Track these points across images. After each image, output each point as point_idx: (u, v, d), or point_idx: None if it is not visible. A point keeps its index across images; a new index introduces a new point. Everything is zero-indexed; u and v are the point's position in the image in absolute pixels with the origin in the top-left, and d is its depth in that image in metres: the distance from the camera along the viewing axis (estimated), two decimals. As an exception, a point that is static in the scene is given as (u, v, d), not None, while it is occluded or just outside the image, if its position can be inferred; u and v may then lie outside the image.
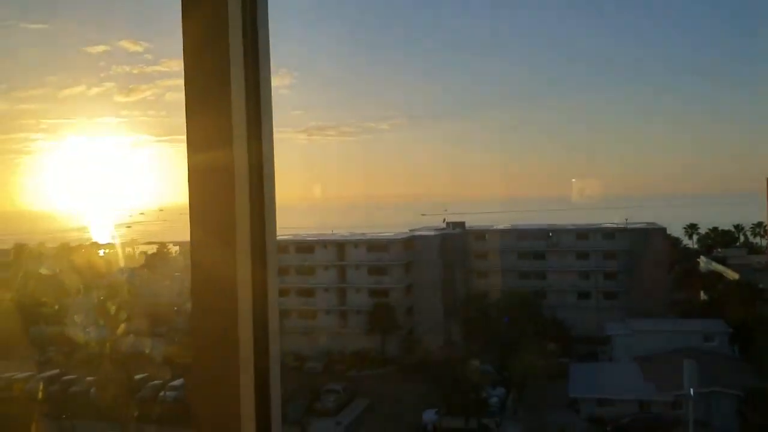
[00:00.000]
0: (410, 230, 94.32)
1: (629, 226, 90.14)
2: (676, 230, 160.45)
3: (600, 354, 69.27)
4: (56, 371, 68.17)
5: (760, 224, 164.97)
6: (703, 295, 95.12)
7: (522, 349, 58.06)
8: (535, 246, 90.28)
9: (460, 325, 72.86)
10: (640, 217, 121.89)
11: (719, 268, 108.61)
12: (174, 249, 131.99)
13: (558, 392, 55.73)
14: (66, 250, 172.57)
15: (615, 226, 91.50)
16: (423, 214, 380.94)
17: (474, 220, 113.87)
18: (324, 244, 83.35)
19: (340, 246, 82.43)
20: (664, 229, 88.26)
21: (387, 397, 61.13)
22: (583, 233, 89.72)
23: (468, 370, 59.80)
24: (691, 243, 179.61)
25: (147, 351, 76.93)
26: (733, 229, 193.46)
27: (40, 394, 62.87)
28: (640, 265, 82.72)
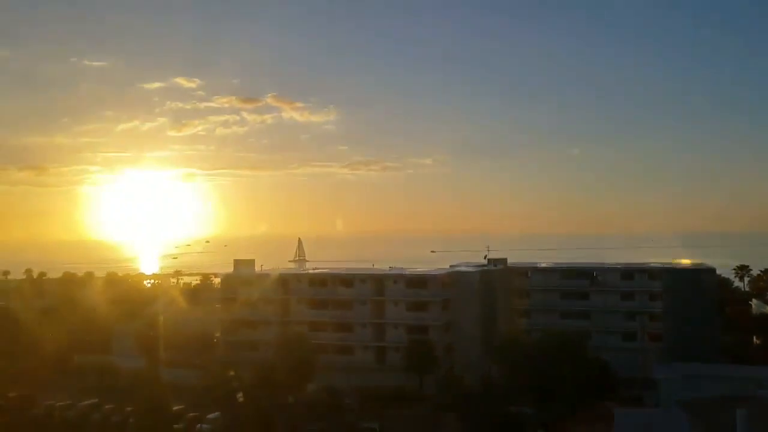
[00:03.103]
0: (450, 266, 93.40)
1: (677, 267, 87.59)
2: (725, 271, 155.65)
3: (645, 398, 66.82)
4: (95, 400, 68.74)
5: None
6: (755, 340, 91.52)
7: (564, 391, 56.27)
8: (578, 285, 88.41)
9: (500, 365, 71.17)
10: (689, 256, 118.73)
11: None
12: (216, 281, 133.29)
13: (601, 437, 53.69)
14: (113, 279, 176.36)
15: (662, 266, 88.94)
16: (432, 251, 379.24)
17: (516, 257, 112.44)
18: (362, 278, 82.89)
19: (378, 280, 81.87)
20: (713, 270, 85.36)
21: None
22: (628, 273, 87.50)
23: (507, 411, 58.20)
24: (742, 285, 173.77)
25: (186, 382, 77.25)
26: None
27: (80, 422, 63.60)
28: (688, 307, 79.93)
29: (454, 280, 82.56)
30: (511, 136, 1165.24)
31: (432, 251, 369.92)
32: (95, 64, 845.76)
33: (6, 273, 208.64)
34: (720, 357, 75.55)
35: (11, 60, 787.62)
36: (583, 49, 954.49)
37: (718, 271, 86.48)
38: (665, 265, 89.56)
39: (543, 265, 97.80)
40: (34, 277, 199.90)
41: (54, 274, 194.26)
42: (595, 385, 60.85)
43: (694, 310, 79.43)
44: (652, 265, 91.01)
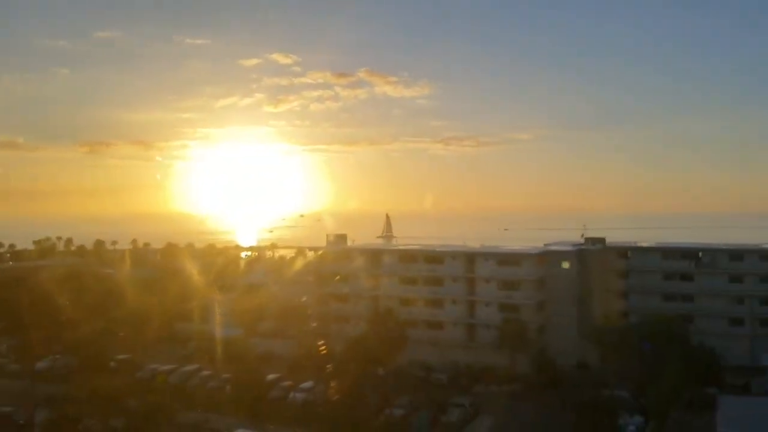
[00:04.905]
0: (545, 245, 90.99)
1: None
2: None
3: (754, 386, 63.16)
4: (196, 366, 71.71)
5: None
6: None
7: (664, 376, 53.70)
8: (682, 266, 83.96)
9: (597, 347, 68.88)
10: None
11: None
12: (310, 254, 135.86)
13: (704, 426, 51.06)
14: (212, 251, 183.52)
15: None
16: (505, 229, 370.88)
17: (615, 236, 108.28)
18: (454, 255, 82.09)
19: (470, 258, 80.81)
20: (833, 253, 79.18)
21: (513, 416, 58.82)
22: (737, 254, 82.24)
23: (603, 395, 56.25)
24: None
25: (280, 352, 79.37)
26: None
27: (180, 386, 66.58)
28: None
29: (548, 259, 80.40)
30: (613, 109, 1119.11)
31: (505, 229, 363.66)
32: (197, 41, 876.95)
33: (114, 243, 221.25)
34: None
35: (119, 40, 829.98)
36: (695, 15, 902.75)
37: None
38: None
39: (644, 244, 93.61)
40: (140, 247, 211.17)
41: (157, 245, 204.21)
42: (697, 371, 57.72)
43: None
44: (764, 246, 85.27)
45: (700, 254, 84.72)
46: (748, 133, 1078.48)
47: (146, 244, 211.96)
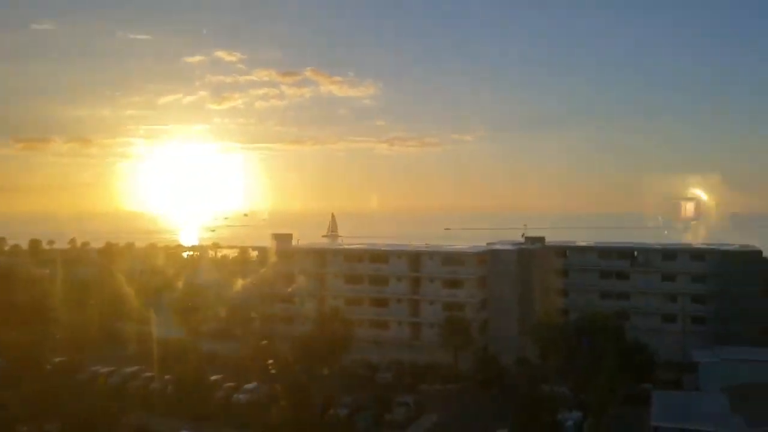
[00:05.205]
0: (488, 244, 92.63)
1: (721, 248, 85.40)
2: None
3: (686, 382, 65.67)
4: (137, 368, 70.29)
5: None
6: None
7: (601, 372, 55.50)
8: (618, 265, 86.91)
9: (537, 344, 70.61)
10: (733, 237, 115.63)
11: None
12: (254, 254, 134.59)
13: (639, 420, 53.00)
14: (153, 251, 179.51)
15: (706, 246, 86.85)
16: (447, 228, 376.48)
17: (554, 236, 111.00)
18: (398, 254, 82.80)
19: (414, 257, 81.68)
20: (759, 252, 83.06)
21: (457, 413, 59.77)
22: (670, 253, 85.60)
23: (543, 391, 57.72)
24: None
25: (223, 353, 78.51)
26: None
27: (120, 388, 65.21)
28: (731, 289, 78.16)
29: (490, 258, 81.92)
30: (553, 112, 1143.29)
31: (446, 228, 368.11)
32: (140, 37, 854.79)
33: (51, 242, 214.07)
34: (764, 341, 73.64)
35: (58, 33, 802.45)
36: (630, 21, 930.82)
37: (765, 254, 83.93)
38: (710, 246, 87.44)
39: (582, 244, 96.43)
40: (78, 246, 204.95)
41: (97, 244, 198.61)
42: (633, 367, 59.88)
43: (738, 293, 77.64)
44: (695, 245, 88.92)
45: (635, 253, 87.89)
46: (676, 136, 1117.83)
47: (85, 244, 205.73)
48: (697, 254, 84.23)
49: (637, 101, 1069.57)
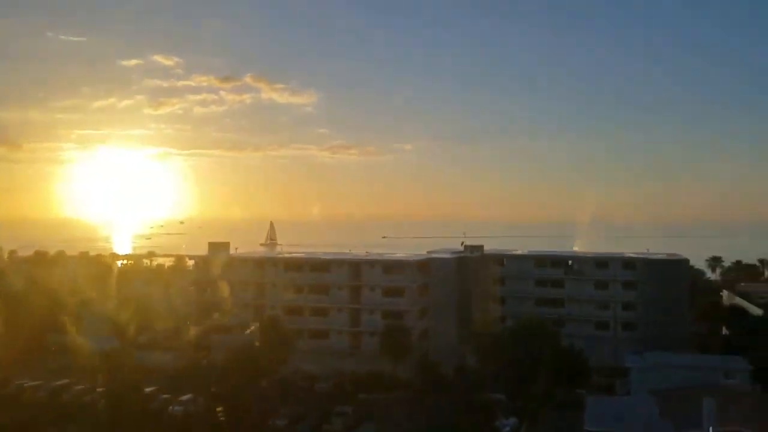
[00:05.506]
0: (428, 252, 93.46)
1: (651, 257, 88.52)
2: (699, 262, 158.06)
3: (618, 386, 67.64)
4: (66, 381, 67.89)
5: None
6: (724, 331, 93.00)
7: (537, 378, 56.70)
8: (553, 273, 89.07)
9: (475, 351, 71.56)
10: (663, 247, 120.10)
11: (742, 303, 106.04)
12: (190, 263, 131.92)
13: (573, 424, 54.24)
14: (85, 259, 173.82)
15: (636, 255, 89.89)
16: (384, 237, 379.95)
17: (492, 244, 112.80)
18: (339, 263, 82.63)
19: (355, 266, 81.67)
20: (686, 261, 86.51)
21: (396, 422, 59.87)
22: (603, 262, 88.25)
23: (481, 397, 58.55)
24: (715, 276, 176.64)
25: (158, 364, 76.61)
26: (758, 264, 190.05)
27: (50, 402, 62.82)
28: (660, 297, 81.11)
29: (430, 266, 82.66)
30: (492, 124, 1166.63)
31: (383, 237, 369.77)
32: (72, 39, 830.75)
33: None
34: (691, 347, 76.74)
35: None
36: (569, 37, 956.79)
37: (691, 262, 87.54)
38: (640, 255, 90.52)
39: (518, 252, 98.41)
40: (5, 255, 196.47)
41: (25, 252, 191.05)
42: (567, 372, 61.39)
43: (666, 300, 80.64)
44: (626, 254, 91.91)
45: (570, 262, 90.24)
46: (621, 147, 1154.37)
47: (12, 252, 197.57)
48: (628, 263, 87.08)
49: (568, 112, 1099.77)
